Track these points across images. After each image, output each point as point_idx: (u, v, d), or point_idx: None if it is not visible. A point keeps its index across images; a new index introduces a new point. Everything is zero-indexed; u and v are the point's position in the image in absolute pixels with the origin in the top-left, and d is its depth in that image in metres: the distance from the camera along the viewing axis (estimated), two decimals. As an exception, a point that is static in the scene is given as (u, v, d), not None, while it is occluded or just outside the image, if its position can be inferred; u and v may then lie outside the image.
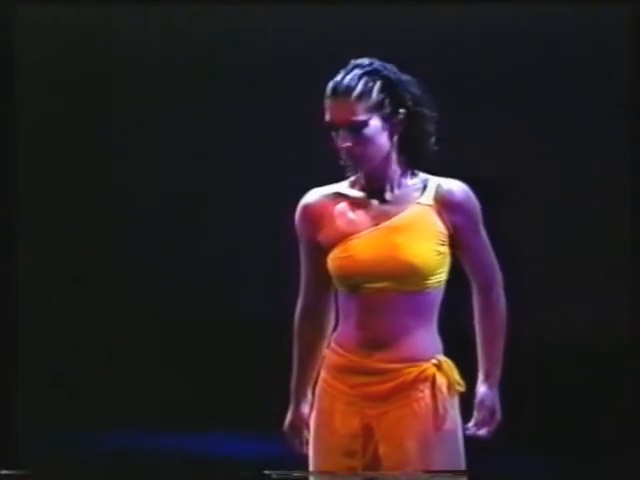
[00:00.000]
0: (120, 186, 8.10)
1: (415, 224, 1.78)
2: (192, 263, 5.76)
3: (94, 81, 7.34)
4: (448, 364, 1.89)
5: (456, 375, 1.91)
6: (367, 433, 1.89)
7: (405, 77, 1.81)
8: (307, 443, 1.96)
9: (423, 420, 1.88)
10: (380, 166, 1.79)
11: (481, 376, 1.89)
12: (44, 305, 5.96)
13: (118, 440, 4.47)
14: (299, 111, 2.13)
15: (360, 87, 1.74)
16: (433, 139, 1.81)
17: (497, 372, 1.89)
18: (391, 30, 5.44)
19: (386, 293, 1.81)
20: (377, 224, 1.78)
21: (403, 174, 1.81)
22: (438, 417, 1.89)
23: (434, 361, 1.87)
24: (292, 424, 1.98)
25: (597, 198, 6.29)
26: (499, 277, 1.86)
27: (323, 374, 1.94)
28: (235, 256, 5.20)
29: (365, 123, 1.73)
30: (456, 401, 1.92)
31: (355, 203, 1.83)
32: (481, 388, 1.87)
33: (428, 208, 1.77)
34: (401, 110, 1.76)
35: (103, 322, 5.98)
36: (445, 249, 1.82)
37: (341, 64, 1.89)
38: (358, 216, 1.83)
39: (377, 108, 1.75)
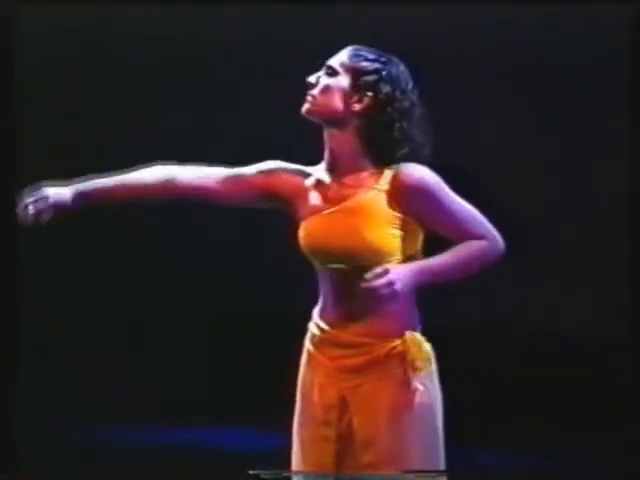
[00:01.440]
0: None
1: (369, 208, 1.81)
2: (192, 257, 5.76)
3: (94, 81, 7.34)
4: (418, 341, 1.91)
5: (427, 352, 1.93)
6: (342, 404, 1.93)
7: (399, 71, 1.85)
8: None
9: (395, 394, 1.91)
10: (342, 149, 1.83)
11: (414, 265, 1.84)
12: (45, 301, 5.95)
13: (120, 435, 4.48)
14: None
15: (350, 52, 1.83)
16: (398, 134, 1.82)
17: (427, 278, 1.85)
18: (391, 27, 5.41)
19: (349, 271, 1.85)
20: (334, 206, 1.83)
21: (365, 160, 1.84)
22: (410, 392, 1.91)
23: (405, 337, 1.90)
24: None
25: (597, 197, 6.29)
26: (489, 233, 1.84)
27: (307, 345, 1.99)
28: (235, 251, 5.20)
29: (334, 71, 1.80)
30: (431, 377, 1.94)
31: (319, 184, 1.89)
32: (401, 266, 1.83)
33: (383, 193, 1.80)
34: (369, 93, 1.80)
35: (103, 318, 5.98)
36: (400, 233, 1.84)
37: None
38: (319, 196, 1.88)
39: (352, 73, 1.81)
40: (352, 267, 1.91)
